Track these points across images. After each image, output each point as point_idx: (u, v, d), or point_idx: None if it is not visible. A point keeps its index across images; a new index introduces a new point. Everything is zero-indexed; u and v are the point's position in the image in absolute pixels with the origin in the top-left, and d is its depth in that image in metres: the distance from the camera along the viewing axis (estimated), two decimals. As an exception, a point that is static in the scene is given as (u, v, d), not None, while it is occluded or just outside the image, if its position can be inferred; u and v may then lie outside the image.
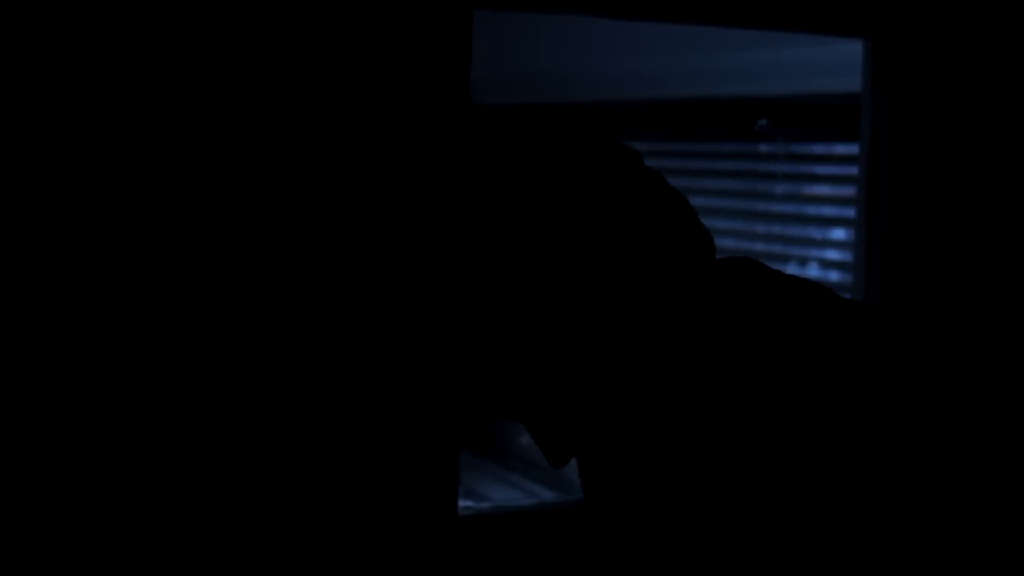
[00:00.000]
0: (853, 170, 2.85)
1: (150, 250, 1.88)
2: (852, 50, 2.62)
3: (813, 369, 1.00)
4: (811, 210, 3.69)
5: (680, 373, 1.02)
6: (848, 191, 3.52)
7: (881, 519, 0.97)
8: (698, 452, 1.05)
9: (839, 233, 3.62)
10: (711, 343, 1.02)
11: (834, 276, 3.56)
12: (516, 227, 1.01)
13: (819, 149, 3.70)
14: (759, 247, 3.74)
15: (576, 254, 1.00)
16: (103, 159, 1.84)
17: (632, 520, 1.15)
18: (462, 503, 2.18)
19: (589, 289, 1.00)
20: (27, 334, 1.83)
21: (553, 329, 1.01)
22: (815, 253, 3.64)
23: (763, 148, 3.88)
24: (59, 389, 1.85)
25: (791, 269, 3.65)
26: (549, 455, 1.08)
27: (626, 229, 1.01)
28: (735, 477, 1.03)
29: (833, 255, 3.62)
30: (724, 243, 3.84)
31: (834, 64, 3.07)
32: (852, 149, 3.12)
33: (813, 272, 3.60)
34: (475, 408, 1.08)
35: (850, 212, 3.29)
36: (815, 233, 3.68)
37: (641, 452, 1.11)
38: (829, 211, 3.65)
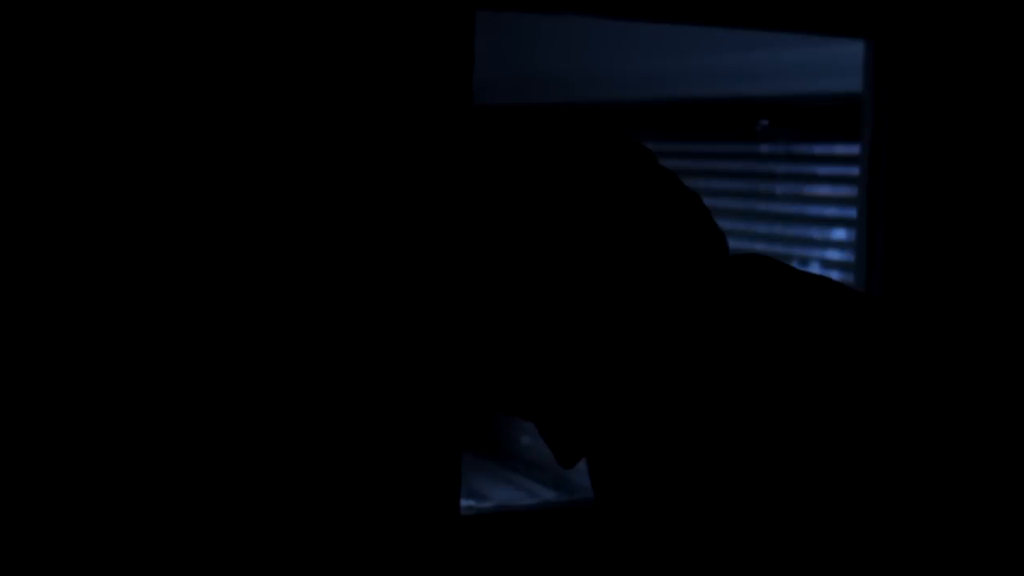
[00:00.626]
0: (854, 170, 2.85)
1: (151, 250, 1.88)
2: (853, 50, 2.62)
3: (824, 368, 1.00)
4: (812, 210, 3.69)
5: (691, 372, 1.02)
6: (849, 191, 3.53)
7: (896, 524, 0.97)
8: (709, 452, 1.05)
9: (840, 233, 3.62)
10: (722, 342, 1.02)
11: (835, 276, 3.56)
12: (528, 224, 1.01)
13: (820, 149, 3.70)
14: (760, 247, 3.74)
15: (588, 252, 1.00)
16: (103, 159, 1.85)
17: (642, 519, 1.15)
18: (464, 503, 2.18)
19: (601, 287, 1.00)
20: (27, 334, 1.83)
21: (565, 327, 1.01)
22: (816, 253, 3.64)
23: (764, 148, 3.88)
24: (59, 389, 1.85)
25: (792, 269, 3.64)
26: (559, 455, 1.08)
27: (639, 227, 1.01)
28: (745, 477, 1.03)
29: (834, 255, 3.62)
30: (725, 243, 3.83)
31: (835, 64, 3.07)
32: (853, 149, 3.13)
33: (814, 272, 3.59)
34: (485, 403, 1.08)
35: (851, 212, 3.29)
36: (816, 233, 3.68)
37: (651, 452, 1.11)
38: (830, 211, 3.65)
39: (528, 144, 1.04)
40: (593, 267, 0.99)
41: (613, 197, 1.00)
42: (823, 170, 3.73)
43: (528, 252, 1.00)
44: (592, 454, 1.17)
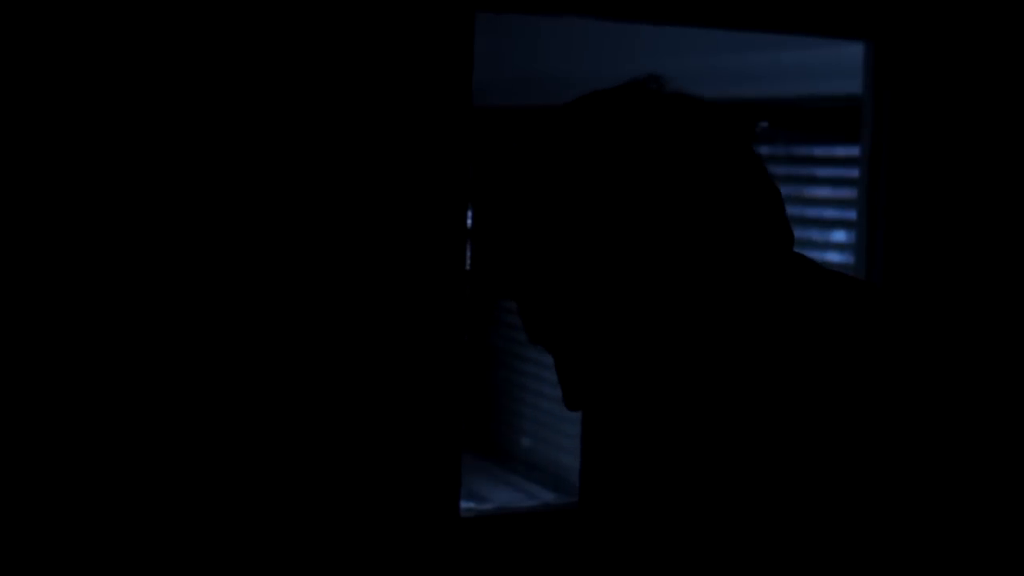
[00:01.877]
0: (854, 172, 2.85)
1: (155, 251, 1.88)
2: (853, 52, 2.62)
3: (836, 370, 1.01)
4: (812, 212, 3.69)
5: (713, 357, 1.03)
6: (849, 193, 3.52)
7: (888, 523, 0.97)
8: (708, 436, 1.06)
9: (840, 235, 3.62)
10: (749, 336, 1.03)
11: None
12: (602, 174, 1.00)
13: (820, 151, 3.70)
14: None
15: (653, 216, 1.00)
16: (104, 159, 1.85)
17: (626, 500, 1.16)
18: (464, 504, 2.18)
19: (656, 252, 1.00)
20: (27, 334, 1.83)
21: (612, 279, 1.01)
22: (816, 255, 3.63)
23: (764, 150, 3.88)
24: (59, 389, 1.85)
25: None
26: (568, 395, 1.07)
27: (709, 204, 1.02)
28: (743, 471, 1.04)
29: (834, 257, 3.62)
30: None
31: (835, 66, 3.07)
32: (853, 151, 3.13)
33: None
34: (528, 332, 1.07)
35: (851, 214, 3.29)
36: (816, 235, 3.68)
37: (654, 425, 1.12)
38: (830, 213, 3.65)
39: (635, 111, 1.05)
40: (653, 232, 1.00)
41: (689, 168, 1.01)
42: (823, 172, 3.73)
43: (595, 203, 1.00)
44: (593, 411, 1.17)
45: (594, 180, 1.00)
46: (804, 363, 1.03)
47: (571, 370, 1.06)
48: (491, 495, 4.44)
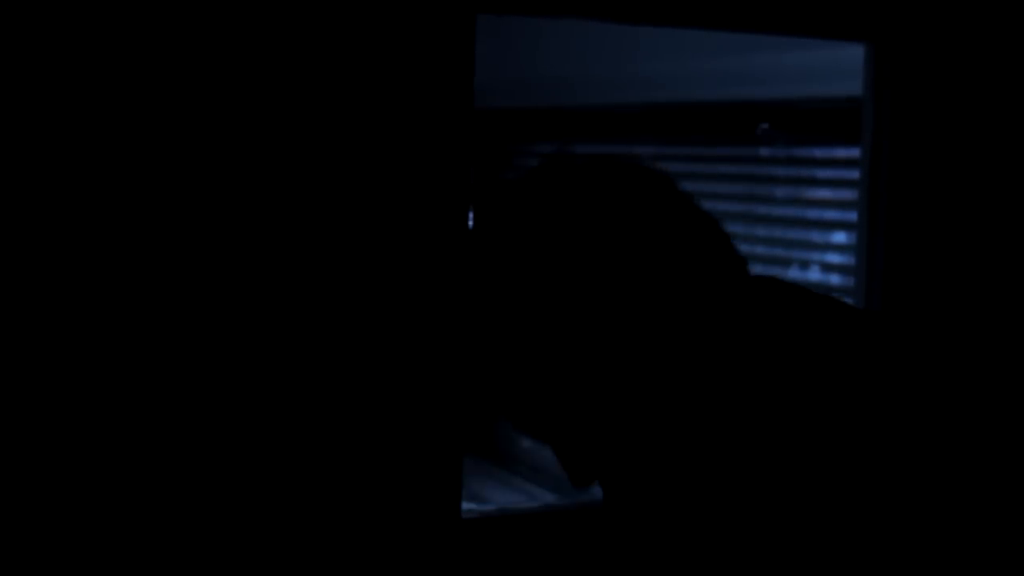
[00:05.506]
0: (854, 174, 2.85)
1: (153, 252, 1.89)
2: (853, 53, 2.63)
3: (831, 384, 1.02)
4: (812, 213, 3.69)
5: (705, 394, 1.03)
6: (849, 194, 3.53)
7: (895, 528, 0.98)
8: (723, 473, 1.06)
9: (840, 236, 3.63)
10: (735, 364, 1.03)
11: (835, 279, 3.56)
12: (550, 255, 1.03)
13: (820, 153, 3.71)
14: (760, 250, 3.75)
15: (608, 280, 1.01)
16: (102, 159, 1.85)
17: (658, 539, 1.16)
18: (465, 506, 2.18)
19: (619, 313, 1.01)
20: (26, 334, 1.83)
21: (585, 352, 1.02)
22: (816, 256, 3.64)
23: (764, 152, 3.88)
24: (58, 389, 1.85)
25: (792, 273, 3.66)
26: (573, 476, 1.09)
27: (656, 255, 1.03)
28: (759, 497, 1.04)
29: (834, 258, 3.62)
30: (725, 246, 3.83)
31: (835, 67, 3.08)
32: (853, 153, 3.13)
33: (814, 275, 3.61)
34: (499, 417, 1.09)
35: (851, 216, 3.29)
36: (816, 236, 3.68)
37: (666, 476, 1.12)
38: (830, 215, 3.65)
39: (550, 179, 1.07)
40: (612, 295, 1.01)
41: (631, 227, 1.03)
42: (823, 173, 3.73)
43: (551, 284, 1.02)
44: (606, 478, 1.18)
45: (549, 267, 1.03)
46: (783, 386, 1.03)
47: (569, 451, 1.07)
48: (492, 496, 4.45)
